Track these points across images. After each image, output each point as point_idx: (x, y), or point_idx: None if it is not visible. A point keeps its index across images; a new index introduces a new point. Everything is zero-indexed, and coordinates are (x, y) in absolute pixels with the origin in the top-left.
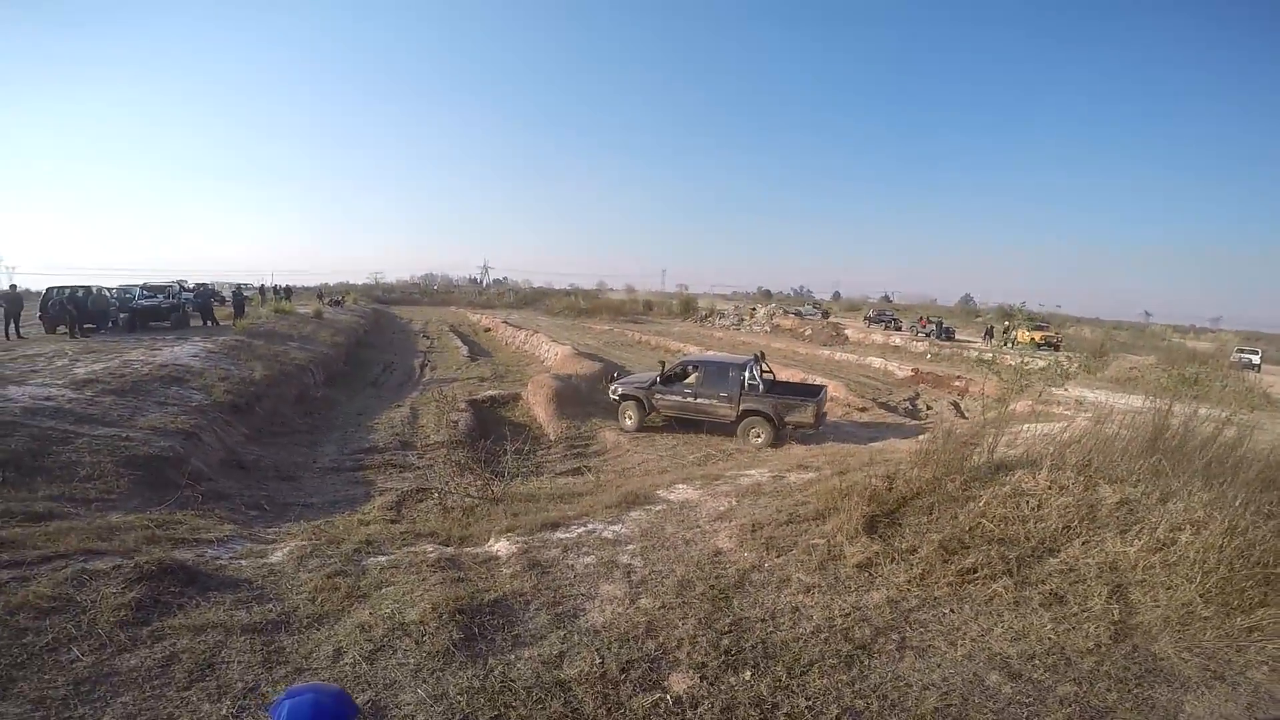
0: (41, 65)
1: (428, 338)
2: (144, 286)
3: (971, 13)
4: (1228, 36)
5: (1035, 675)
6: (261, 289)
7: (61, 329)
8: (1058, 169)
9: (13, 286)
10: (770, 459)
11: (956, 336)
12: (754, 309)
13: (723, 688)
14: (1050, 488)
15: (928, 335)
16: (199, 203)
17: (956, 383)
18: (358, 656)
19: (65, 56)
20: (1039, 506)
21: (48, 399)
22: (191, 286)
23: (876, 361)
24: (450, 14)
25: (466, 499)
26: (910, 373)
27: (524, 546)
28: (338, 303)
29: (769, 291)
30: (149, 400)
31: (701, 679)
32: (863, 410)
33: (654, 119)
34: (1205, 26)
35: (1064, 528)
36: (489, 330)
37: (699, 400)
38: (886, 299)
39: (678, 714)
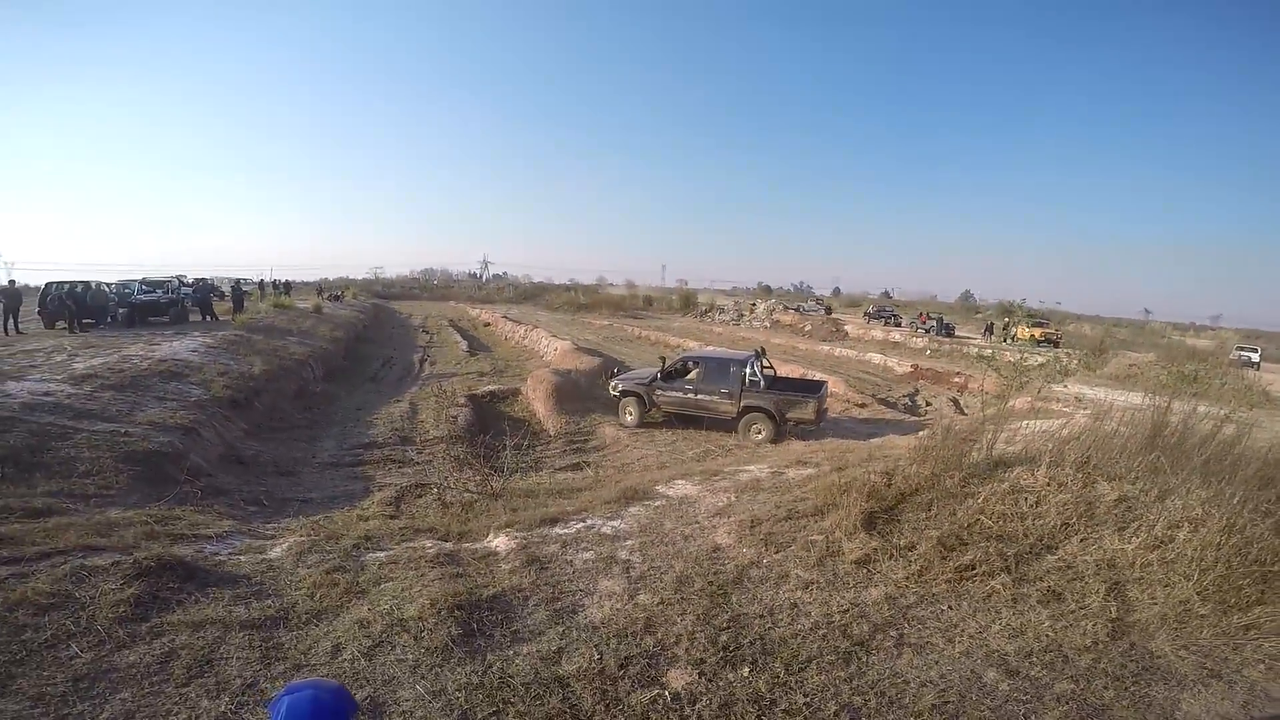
0: (42, 64)
1: (427, 333)
2: (143, 282)
3: (972, 13)
4: (1228, 36)
5: (1032, 672)
6: (261, 284)
7: (60, 324)
8: (1058, 167)
9: (11, 282)
10: (769, 455)
11: (956, 333)
12: (754, 304)
13: (721, 684)
14: (1049, 485)
15: (927, 331)
16: (198, 198)
17: (956, 379)
18: (356, 652)
19: (66, 56)
20: (1037, 503)
21: (47, 394)
22: (190, 281)
23: (876, 357)
24: (450, 12)
25: (465, 494)
26: (910, 369)
27: (523, 542)
28: (337, 298)
29: (769, 287)
30: (148, 395)
31: (700, 675)
32: (862, 406)
33: (654, 116)
34: (1205, 26)
35: (1062, 525)
36: (488, 325)
37: (700, 396)
38: (886, 295)
39: (676, 710)
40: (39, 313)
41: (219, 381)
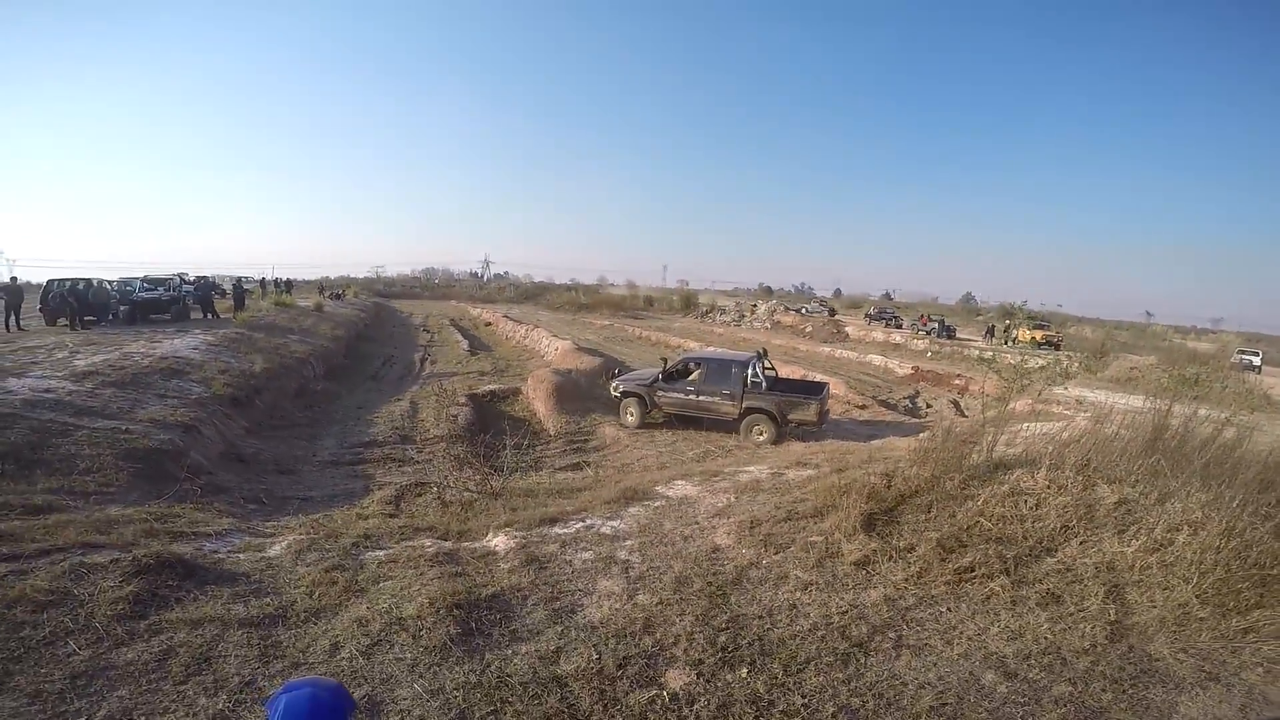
0: (43, 63)
1: (428, 332)
2: (144, 279)
3: (973, 12)
4: (1228, 37)
5: (1031, 675)
6: (262, 282)
7: (62, 321)
8: (1059, 168)
9: (13, 279)
10: (769, 456)
11: (957, 335)
12: (755, 305)
13: (719, 685)
14: (1049, 487)
15: (928, 333)
16: (200, 197)
17: (957, 381)
18: (355, 651)
19: (67, 54)
20: (1037, 506)
21: (48, 391)
22: (192, 279)
23: (877, 359)
24: (451, 10)
25: (465, 493)
26: (910, 371)
27: (522, 542)
28: (338, 296)
29: (770, 288)
30: (149, 393)
31: (698, 676)
32: (862, 408)
33: (656, 115)
34: (1206, 26)
35: (1062, 527)
36: (489, 325)
37: (701, 398)
38: (887, 296)
39: (674, 710)
40: (41, 310)
41: (220, 379)
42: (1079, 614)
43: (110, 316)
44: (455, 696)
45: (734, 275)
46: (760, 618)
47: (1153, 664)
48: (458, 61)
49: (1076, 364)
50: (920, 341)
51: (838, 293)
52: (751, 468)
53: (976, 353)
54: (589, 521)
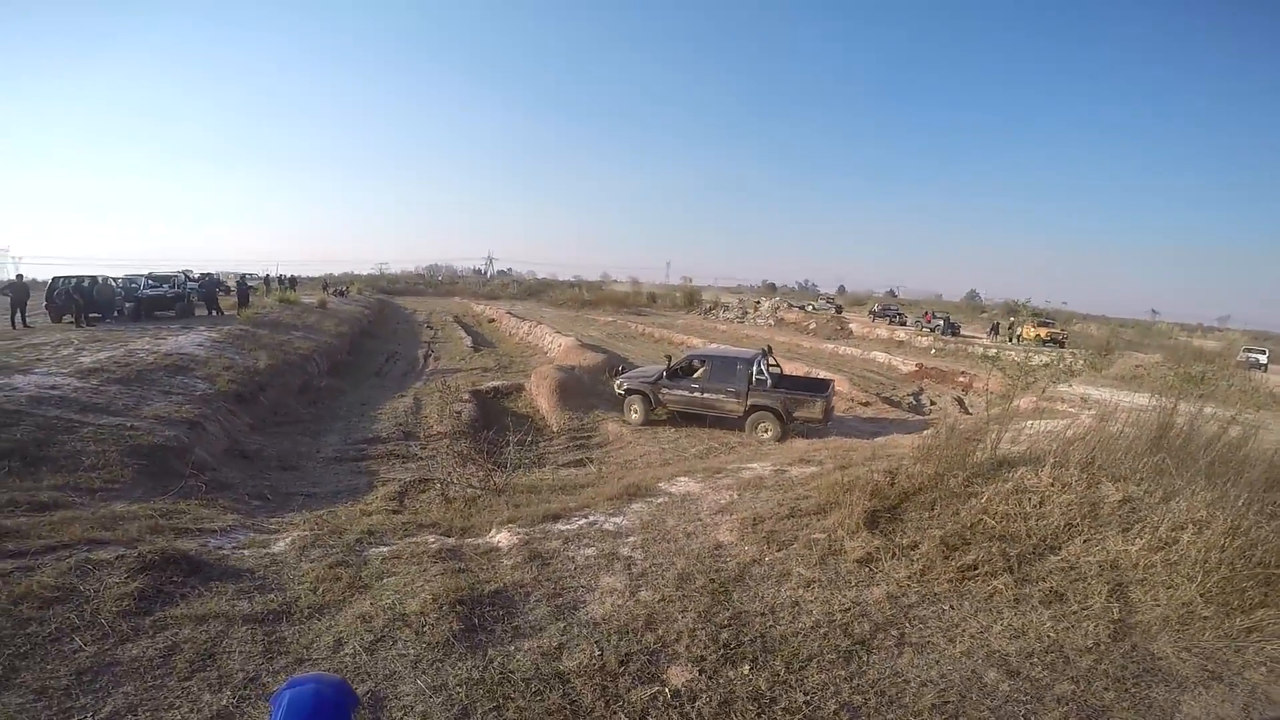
0: (45, 62)
1: (432, 328)
2: (149, 276)
3: (980, 12)
4: (1232, 37)
5: (1033, 673)
6: (266, 279)
7: (67, 318)
8: (1064, 166)
9: (19, 276)
10: (772, 453)
11: (962, 332)
12: (758, 302)
13: (721, 681)
14: (1053, 485)
15: (932, 330)
16: (204, 195)
17: (961, 378)
18: (358, 647)
19: (70, 53)
20: (1041, 504)
21: (53, 388)
22: (197, 276)
23: (881, 356)
24: (455, 6)
25: (468, 490)
26: (914, 368)
27: (525, 538)
28: (342, 293)
29: (773, 285)
30: (153, 389)
31: (700, 672)
32: (866, 405)
33: (660, 113)
34: (1209, 27)
35: (1066, 525)
36: (493, 321)
37: (706, 395)
38: (892, 294)
39: (676, 707)
40: (46, 307)
41: (224, 376)
42: (1082, 612)
43: (115, 313)
44: (458, 692)
45: (737, 272)
46: (762, 615)
47: (1156, 663)
48: (462, 58)
49: (1081, 361)
50: (924, 338)
51: (841, 289)
52: (754, 465)
53: (981, 350)
54: (592, 518)
